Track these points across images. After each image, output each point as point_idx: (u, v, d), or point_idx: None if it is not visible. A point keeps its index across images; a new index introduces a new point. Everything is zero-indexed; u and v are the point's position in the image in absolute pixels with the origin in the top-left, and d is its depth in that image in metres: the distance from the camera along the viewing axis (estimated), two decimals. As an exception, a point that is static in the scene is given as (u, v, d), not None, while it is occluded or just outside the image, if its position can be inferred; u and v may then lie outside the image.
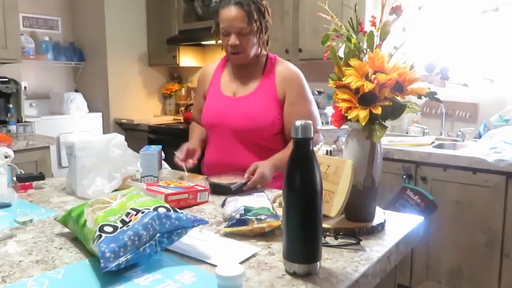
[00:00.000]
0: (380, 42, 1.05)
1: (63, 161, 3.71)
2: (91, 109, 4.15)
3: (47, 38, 4.01)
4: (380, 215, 1.14)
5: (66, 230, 1.08)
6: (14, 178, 1.51)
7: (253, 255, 0.93)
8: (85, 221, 0.95)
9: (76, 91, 4.24)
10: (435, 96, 1.03)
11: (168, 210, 0.94)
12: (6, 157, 1.37)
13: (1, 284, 0.82)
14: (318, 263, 0.85)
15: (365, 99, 0.99)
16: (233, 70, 1.76)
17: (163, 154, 1.72)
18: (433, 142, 2.62)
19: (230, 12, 1.57)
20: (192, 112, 2.00)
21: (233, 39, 1.59)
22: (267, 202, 1.19)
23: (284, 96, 1.66)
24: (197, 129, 1.87)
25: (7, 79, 3.21)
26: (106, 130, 4.10)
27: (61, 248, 0.99)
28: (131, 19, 4.18)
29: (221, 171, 1.67)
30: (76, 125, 3.91)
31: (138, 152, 1.53)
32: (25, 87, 3.66)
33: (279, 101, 1.66)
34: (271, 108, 1.65)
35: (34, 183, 1.56)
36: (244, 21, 1.57)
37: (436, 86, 1.05)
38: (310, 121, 0.82)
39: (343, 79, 1.01)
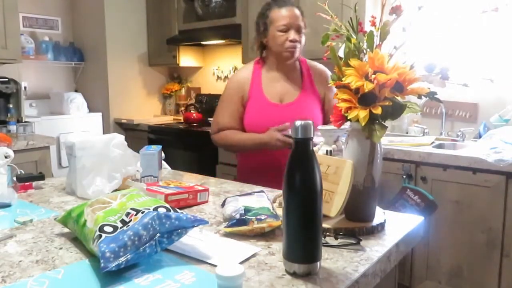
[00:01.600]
0: (380, 42, 1.05)
1: (63, 161, 3.71)
2: (91, 109, 4.14)
3: (47, 38, 4.01)
4: (380, 215, 1.14)
5: (66, 230, 1.08)
6: (14, 178, 1.50)
7: (253, 255, 0.93)
8: (85, 221, 0.95)
9: (76, 91, 4.24)
10: (435, 96, 1.03)
11: (168, 210, 0.94)
12: (6, 157, 1.37)
13: (1, 284, 0.82)
14: (318, 263, 0.84)
15: (365, 99, 0.99)
16: (274, 75, 1.79)
17: (163, 154, 1.72)
18: (433, 142, 2.62)
19: (292, 10, 1.70)
20: (218, 119, 1.84)
21: (294, 35, 1.69)
22: (267, 202, 1.18)
23: (324, 92, 1.77)
24: (245, 134, 1.79)
25: (7, 79, 3.21)
26: (106, 130, 4.10)
27: (61, 248, 0.99)
28: (131, 19, 4.18)
29: (263, 177, 1.62)
30: (76, 125, 3.91)
31: (138, 152, 1.53)
32: (25, 87, 3.65)
33: (321, 100, 1.78)
34: (318, 110, 1.76)
35: (34, 183, 1.56)
36: (302, 20, 1.71)
37: (436, 86, 1.05)
38: (310, 121, 0.82)
39: (343, 79, 1.01)
